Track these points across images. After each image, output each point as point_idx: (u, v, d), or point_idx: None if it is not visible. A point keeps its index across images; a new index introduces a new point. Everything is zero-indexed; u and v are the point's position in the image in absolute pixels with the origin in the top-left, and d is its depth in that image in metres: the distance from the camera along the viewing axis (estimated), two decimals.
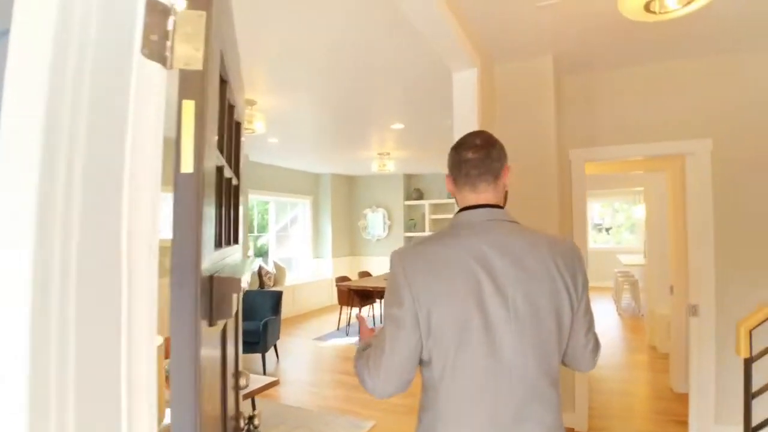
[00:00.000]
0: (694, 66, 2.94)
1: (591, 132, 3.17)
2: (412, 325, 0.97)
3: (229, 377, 1.10)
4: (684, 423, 3.09)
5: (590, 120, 3.18)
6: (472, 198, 1.07)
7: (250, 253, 7.82)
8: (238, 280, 1.01)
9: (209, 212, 0.72)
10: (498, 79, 2.99)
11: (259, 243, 8.17)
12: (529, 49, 2.79)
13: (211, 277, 0.71)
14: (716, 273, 2.87)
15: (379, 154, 6.48)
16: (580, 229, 3.13)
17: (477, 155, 1.07)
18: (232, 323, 1.32)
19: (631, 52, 2.86)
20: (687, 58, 2.93)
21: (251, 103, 3.96)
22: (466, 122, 2.53)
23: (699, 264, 2.93)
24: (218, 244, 0.91)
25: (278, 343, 5.33)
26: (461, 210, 1.07)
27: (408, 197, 9.12)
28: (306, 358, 5.43)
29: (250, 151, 6.41)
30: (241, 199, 1.56)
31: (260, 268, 7.32)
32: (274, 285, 7.46)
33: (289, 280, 7.98)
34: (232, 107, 1.36)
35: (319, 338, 6.28)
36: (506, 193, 1.12)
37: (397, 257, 1.03)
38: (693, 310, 2.96)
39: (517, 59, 2.91)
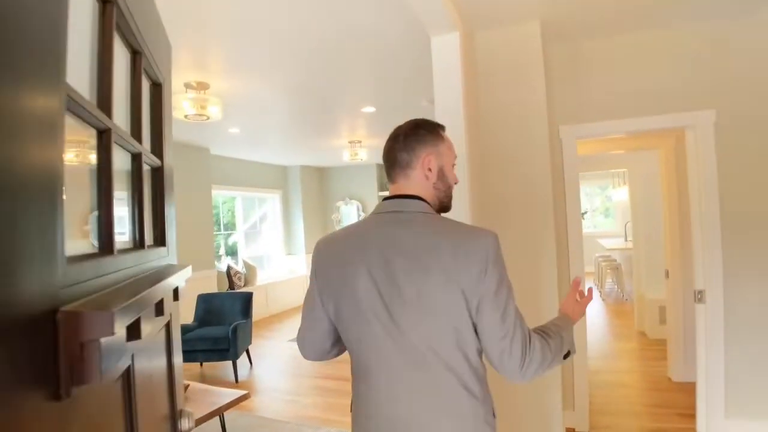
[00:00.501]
0: (695, 32, 2.67)
1: (582, 107, 2.88)
2: (320, 315, 1.09)
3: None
4: (690, 416, 2.87)
5: (580, 94, 2.89)
6: (391, 188, 1.11)
7: (221, 251, 7.35)
8: (158, 300, 0.77)
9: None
10: (480, 48, 2.65)
11: (231, 241, 7.70)
12: (515, 14, 2.46)
13: (54, 312, 0.45)
14: (723, 256, 2.64)
15: (350, 142, 6.10)
16: (574, 216, 2.85)
17: (388, 145, 1.11)
18: (160, 350, 0.97)
19: (625, 18, 2.57)
20: (687, 23, 2.66)
21: (203, 86, 3.52)
22: (448, 96, 2.19)
23: (704, 247, 2.69)
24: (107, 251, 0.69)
25: (251, 347, 4.94)
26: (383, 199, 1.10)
27: (382, 188, 8.77)
28: (282, 362, 5.05)
29: (210, 142, 5.94)
30: (167, 190, 1.19)
31: (229, 269, 6.87)
32: (245, 285, 7.03)
33: (261, 279, 7.54)
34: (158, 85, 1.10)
35: (295, 339, 5.89)
36: (443, 181, 1.09)
37: (315, 249, 1.13)
38: (699, 296, 2.72)
39: (501, 25, 2.57)
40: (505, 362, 0.95)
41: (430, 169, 1.07)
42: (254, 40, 2.82)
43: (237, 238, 7.68)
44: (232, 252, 7.64)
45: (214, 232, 7.31)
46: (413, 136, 1.08)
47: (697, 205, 2.75)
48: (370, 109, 4.44)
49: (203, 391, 2.99)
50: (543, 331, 1.04)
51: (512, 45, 2.59)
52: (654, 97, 2.74)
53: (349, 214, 8.88)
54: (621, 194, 8.11)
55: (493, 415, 1.02)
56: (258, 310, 7.07)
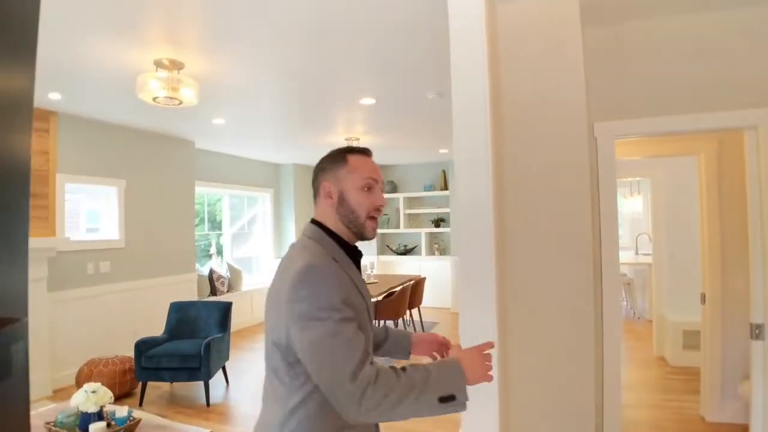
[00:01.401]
0: (760, 16, 2.21)
1: (621, 102, 2.40)
2: None
3: None
4: None
5: (620, 86, 2.41)
6: None
7: (212, 250, 6.84)
8: None
9: None
10: (502, 24, 2.16)
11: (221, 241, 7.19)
12: None
13: None
14: None
15: (347, 139, 5.61)
16: (610, 230, 2.36)
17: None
18: None
19: None
20: (751, 5, 2.20)
21: (177, 65, 3.02)
22: (469, 77, 1.70)
23: (767, 274, 2.22)
24: None
25: (228, 364, 4.43)
26: None
27: None
28: (263, 380, 4.53)
29: (194, 135, 5.43)
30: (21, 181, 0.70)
31: (211, 272, 6.35)
32: (228, 291, 6.51)
33: (247, 284, 7.03)
34: None
35: None
36: (343, 206, 1.10)
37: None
38: (757, 332, 2.25)
39: None
40: (340, 398, 0.91)
41: (330, 196, 1.11)
42: (239, 14, 2.36)
43: (223, 239, 7.16)
44: (218, 253, 7.12)
45: (205, 231, 6.80)
46: (317, 167, 1.16)
47: (758, 222, 2.28)
48: (369, 100, 3.95)
49: (157, 429, 2.48)
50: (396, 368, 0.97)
51: (543, 21, 2.11)
52: (708, 92, 2.27)
53: None
54: (633, 204, 7.66)
55: None
56: (242, 318, 6.57)
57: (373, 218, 1.11)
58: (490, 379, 1.00)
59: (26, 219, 0.69)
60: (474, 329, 1.62)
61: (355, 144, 5.69)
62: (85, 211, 4.81)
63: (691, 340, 3.96)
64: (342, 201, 1.09)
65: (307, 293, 0.95)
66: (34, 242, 3.82)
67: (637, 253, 7.13)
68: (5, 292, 0.65)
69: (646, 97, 2.35)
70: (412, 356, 1.36)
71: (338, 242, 1.10)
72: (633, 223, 7.71)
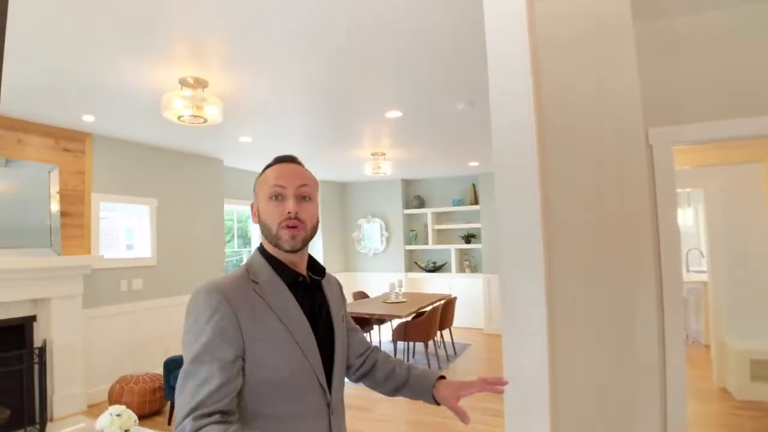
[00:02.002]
0: None
1: (678, 104, 2.22)
2: None
3: None
4: None
5: (677, 86, 2.23)
6: None
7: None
8: None
9: None
10: (541, 16, 2.03)
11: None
12: None
13: None
14: None
15: (373, 154, 5.54)
16: (671, 248, 2.14)
17: None
18: None
19: None
20: None
21: (201, 83, 3.02)
22: (509, 82, 1.58)
23: None
24: None
25: None
26: None
27: (407, 205, 8.17)
28: None
29: (222, 153, 5.48)
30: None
31: None
32: None
33: None
34: None
35: None
36: (261, 221, 1.06)
37: None
38: None
39: None
40: None
41: (255, 215, 1.08)
42: (262, 30, 2.33)
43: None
44: None
45: (236, 248, 6.83)
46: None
47: None
48: (395, 113, 3.87)
49: None
50: None
51: (589, 17, 1.97)
52: None
53: (372, 232, 8.28)
54: (681, 218, 7.29)
55: None
56: None
57: (287, 227, 1.01)
58: None
59: None
60: (520, 358, 1.47)
61: (381, 159, 5.63)
62: (124, 229, 4.89)
63: (762, 370, 3.62)
64: (260, 218, 1.06)
65: (185, 321, 0.95)
66: (70, 260, 3.87)
67: (688, 270, 6.73)
68: None
69: (706, 98, 2.16)
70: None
71: (273, 263, 1.04)
72: (682, 238, 7.31)
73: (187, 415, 0.85)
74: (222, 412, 0.87)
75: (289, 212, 1.01)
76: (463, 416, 1.10)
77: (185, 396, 0.87)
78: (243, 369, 0.92)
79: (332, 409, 1.04)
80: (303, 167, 1.09)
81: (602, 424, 1.65)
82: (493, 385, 1.09)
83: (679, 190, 6.31)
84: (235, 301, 0.94)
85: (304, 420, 0.98)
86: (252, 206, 1.09)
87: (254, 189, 1.10)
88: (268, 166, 1.09)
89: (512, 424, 1.51)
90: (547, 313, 1.45)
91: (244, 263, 1.07)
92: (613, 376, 1.67)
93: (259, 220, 1.06)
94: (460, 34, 2.43)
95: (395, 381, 1.22)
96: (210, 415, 0.85)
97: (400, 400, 4.25)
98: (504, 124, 1.60)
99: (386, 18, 2.24)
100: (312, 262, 1.13)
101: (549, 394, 1.48)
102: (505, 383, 1.09)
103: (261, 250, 1.07)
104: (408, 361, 5.39)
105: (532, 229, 1.49)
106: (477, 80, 3.09)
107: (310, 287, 1.09)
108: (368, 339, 5.71)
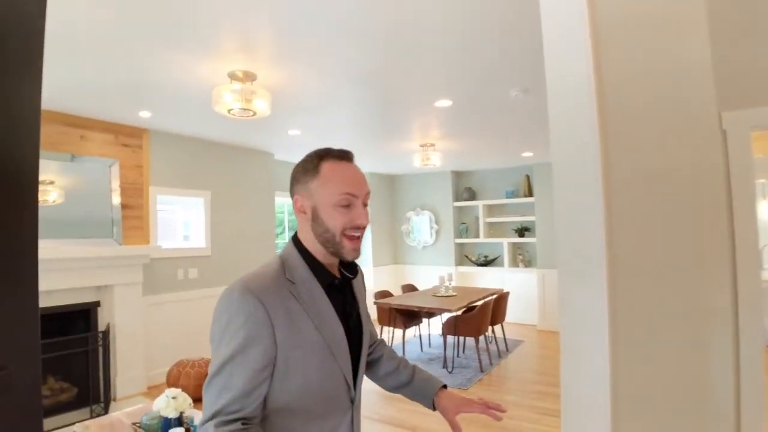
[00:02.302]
0: None
1: (756, 83, 1.97)
2: None
3: None
4: None
5: (755, 63, 1.98)
6: None
7: None
8: None
9: None
10: None
11: None
12: None
13: None
14: None
15: (422, 145, 5.43)
16: (748, 244, 1.91)
17: None
18: None
19: None
20: None
21: (250, 76, 3.04)
22: (567, 60, 1.45)
23: None
24: None
25: None
26: None
27: (458, 198, 7.99)
28: None
29: (272, 147, 5.57)
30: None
31: None
32: None
33: None
34: None
35: None
36: (317, 223, 0.98)
37: None
38: None
39: None
40: None
41: (303, 211, 1.01)
42: (310, 21, 2.31)
43: None
44: None
45: (286, 239, 6.97)
46: (292, 177, 1.04)
47: None
48: (445, 102, 3.75)
49: None
50: None
51: None
52: None
53: (421, 225, 8.18)
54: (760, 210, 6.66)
55: None
56: None
57: (352, 238, 0.97)
58: None
59: (26, 243, 0.59)
60: (580, 360, 1.35)
61: (430, 151, 5.51)
62: (182, 221, 5.10)
63: None
64: (316, 218, 0.98)
65: (214, 322, 0.92)
66: (131, 250, 4.07)
67: (763, 268, 6.15)
68: None
69: None
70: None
71: (310, 263, 1.00)
72: (761, 233, 6.67)
73: (211, 417, 0.86)
74: (245, 418, 0.87)
75: (360, 224, 0.98)
76: (456, 429, 1.13)
77: (210, 398, 0.87)
78: (272, 374, 0.91)
79: (355, 405, 1.04)
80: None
81: None
82: (492, 410, 1.11)
83: (762, 181, 5.75)
84: (271, 306, 0.90)
85: (328, 417, 0.98)
86: (297, 197, 1.01)
87: (304, 181, 1.00)
88: (321, 158, 0.99)
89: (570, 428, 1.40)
90: (609, 313, 1.32)
91: (279, 255, 1.02)
92: (682, 385, 1.51)
93: (314, 219, 0.98)
94: (514, 16, 2.28)
95: (397, 379, 1.23)
96: (233, 421, 0.85)
97: None
98: (562, 111, 1.47)
99: (435, 6, 2.13)
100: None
101: (611, 398, 1.35)
102: (504, 410, 1.12)
103: (297, 244, 1.02)
104: (458, 356, 5.35)
105: (594, 222, 1.36)
106: (532, 65, 2.92)
107: (341, 286, 1.06)
108: (417, 332, 5.64)
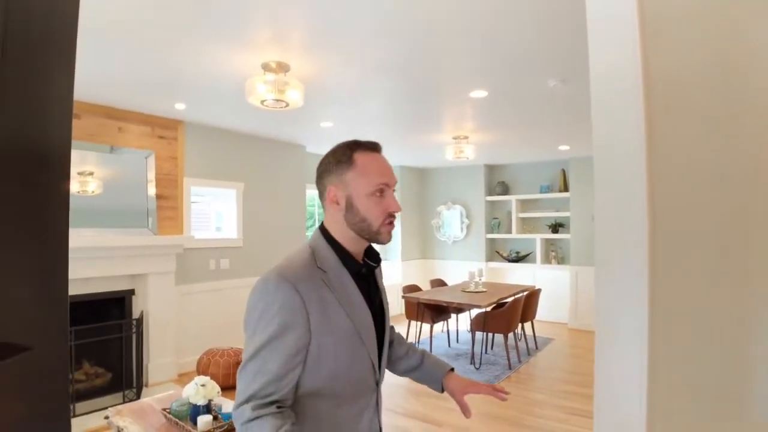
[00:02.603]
0: None
1: None
2: None
3: None
4: None
5: None
6: None
7: None
8: None
9: None
10: None
11: None
12: None
13: None
14: None
15: (455, 138, 5.33)
16: None
17: None
18: None
19: None
20: None
21: (283, 67, 3.02)
22: (613, 40, 1.34)
23: None
24: None
25: None
26: None
27: (490, 192, 7.83)
28: None
29: (304, 139, 5.58)
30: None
31: None
32: None
33: None
34: None
35: None
36: (351, 213, 1.02)
37: None
38: None
39: None
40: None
41: (336, 202, 1.04)
42: (344, 10, 2.27)
43: None
44: None
45: None
46: (321, 167, 1.06)
47: None
48: (480, 93, 3.64)
49: None
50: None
51: None
52: None
53: (452, 220, 8.07)
54: None
55: None
56: None
57: (389, 224, 1.04)
58: None
59: (59, 222, 0.59)
60: (615, 360, 1.27)
61: (463, 143, 5.40)
62: (214, 212, 5.19)
63: None
64: (350, 207, 1.02)
65: (249, 309, 0.97)
66: (165, 239, 4.16)
67: None
68: (9, 312, 0.52)
69: None
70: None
71: (339, 252, 1.04)
72: None
73: (246, 401, 0.91)
74: (280, 402, 0.92)
75: (395, 211, 1.03)
76: (466, 410, 1.20)
77: (245, 381, 0.92)
78: (305, 359, 0.95)
79: (379, 387, 1.11)
80: None
81: None
82: (498, 392, 1.18)
83: None
84: (305, 294, 0.94)
85: (357, 400, 1.04)
86: (331, 188, 1.04)
87: (338, 172, 1.03)
88: (353, 150, 1.04)
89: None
90: (649, 313, 1.24)
91: (307, 245, 1.06)
92: (722, 389, 1.40)
93: (348, 209, 1.02)
94: (554, 1, 2.17)
95: (407, 363, 1.29)
96: (269, 405, 0.90)
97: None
98: (606, 100, 1.37)
99: None
100: (369, 248, 1.13)
101: (647, 398, 1.27)
102: (508, 393, 1.19)
103: (324, 234, 1.06)
104: (486, 353, 5.26)
105: (636, 219, 1.26)
106: (572, 53, 2.78)
107: (366, 274, 1.10)
108: (444, 328, 5.58)
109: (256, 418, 0.89)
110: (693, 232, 1.51)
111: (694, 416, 1.40)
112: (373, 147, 1.06)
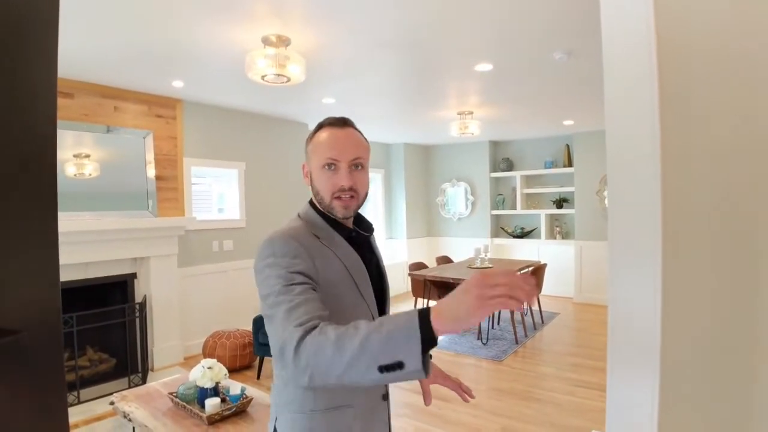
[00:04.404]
0: None
1: None
2: None
3: None
4: None
5: None
6: None
7: None
8: None
9: None
10: None
11: None
12: None
13: None
14: None
15: (459, 113, 5.20)
16: None
17: None
18: None
19: None
20: None
21: (284, 41, 2.90)
22: (623, 20, 1.26)
23: None
24: None
25: None
26: None
27: (495, 168, 7.73)
28: None
29: (306, 117, 5.47)
30: None
31: None
32: None
33: None
34: None
35: None
36: (313, 186, 1.10)
37: None
38: None
39: None
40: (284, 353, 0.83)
41: (306, 176, 1.12)
42: None
43: None
44: None
45: None
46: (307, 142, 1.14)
47: None
48: (485, 66, 3.52)
49: (268, 409, 2.43)
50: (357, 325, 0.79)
51: None
52: None
53: (456, 197, 7.99)
54: None
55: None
56: None
57: (340, 199, 1.06)
58: (491, 306, 0.69)
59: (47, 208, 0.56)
60: (628, 338, 1.22)
61: (468, 119, 5.28)
62: (217, 193, 5.11)
63: None
64: (312, 181, 1.10)
65: (260, 264, 0.99)
66: (166, 221, 4.10)
67: None
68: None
69: None
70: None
71: (327, 219, 1.10)
72: None
73: (290, 335, 0.83)
74: (322, 318, 0.88)
75: (342, 186, 1.04)
76: (428, 396, 1.23)
77: (279, 325, 0.87)
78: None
79: None
80: (356, 132, 1.10)
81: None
82: (463, 393, 1.19)
83: None
84: (310, 249, 1.01)
85: None
86: (304, 166, 1.13)
87: (306, 149, 1.11)
88: (320, 126, 1.10)
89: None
90: (662, 291, 1.19)
91: (297, 216, 1.13)
92: (733, 367, 1.35)
93: (311, 183, 1.10)
94: None
95: None
96: (315, 326, 0.83)
97: (486, 368, 4.11)
98: (618, 73, 1.29)
99: None
100: (359, 219, 1.18)
101: (660, 374, 1.23)
102: (473, 397, 1.20)
103: (313, 205, 1.12)
104: (493, 328, 5.26)
105: (650, 197, 1.20)
106: (579, 25, 2.66)
107: (358, 241, 1.14)
108: None
109: (307, 333, 0.81)
110: (708, 211, 1.43)
111: (703, 385, 1.35)
112: (337, 123, 1.08)
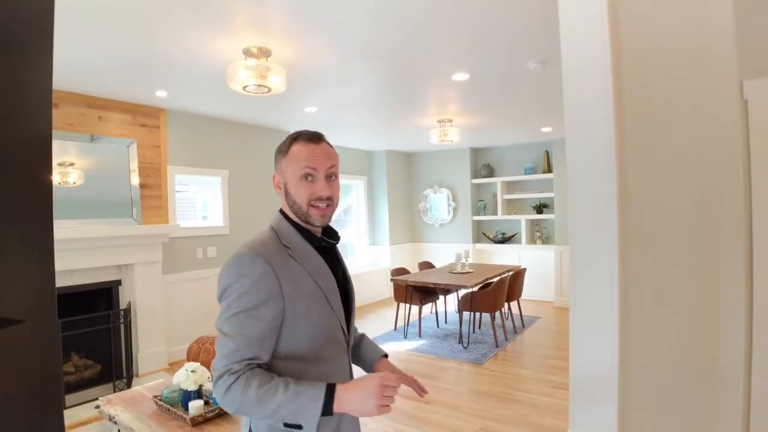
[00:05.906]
0: None
1: None
2: None
3: None
4: None
5: None
6: None
7: None
8: None
9: None
10: None
11: None
12: None
13: None
14: None
15: (439, 121, 5.34)
16: (765, 221, 1.82)
17: None
18: None
19: None
20: None
21: (265, 52, 3.00)
22: (583, 28, 1.39)
23: None
24: None
25: None
26: None
27: (476, 175, 7.89)
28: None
29: (289, 125, 5.54)
30: None
31: None
32: None
33: None
34: None
35: (374, 339, 5.36)
36: (288, 197, 1.14)
37: None
38: None
39: None
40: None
41: (279, 187, 1.16)
42: None
43: None
44: None
45: None
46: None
47: None
48: (462, 76, 3.65)
49: None
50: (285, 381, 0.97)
51: None
52: None
53: (439, 203, 8.12)
54: None
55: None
56: None
57: (317, 208, 1.12)
58: (382, 412, 0.96)
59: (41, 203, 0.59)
60: (590, 335, 1.33)
61: (447, 126, 5.42)
62: (200, 201, 5.16)
63: None
64: (287, 193, 1.13)
65: (225, 281, 1.03)
66: (150, 229, 4.14)
67: None
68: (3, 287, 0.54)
69: None
70: None
71: (299, 229, 1.14)
72: None
73: (226, 365, 0.97)
74: (261, 361, 1.01)
75: (321, 195, 1.11)
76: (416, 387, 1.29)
77: (224, 349, 0.99)
78: (281, 325, 1.04)
79: (349, 348, 1.21)
80: (329, 145, 1.16)
81: (677, 425, 1.46)
82: (419, 390, 1.23)
83: None
84: (277, 266, 1.03)
85: (331, 360, 1.12)
86: (274, 176, 1.17)
87: (278, 160, 1.15)
88: (293, 140, 1.14)
89: (578, 406, 1.38)
90: (620, 294, 1.29)
91: (270, 226, 1.16)
92: (692, 361, 1.47)
93: (286, 194, 1.14)
94: None
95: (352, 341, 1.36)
96: (247, 364, 0.99)
97: (466, 371, 4.20)
98: (577, 84, 1.41)
99: None
100: (327, 228, 1.22)
101: (619, 371, 1.33)
102: (427, 392, 1.25)
103: (284, 215, 1.16)
104: (474, 332, 5.36)
105: (607, 198, 1.31)
106: (550, 36, 2.81)
107: (327, 250, 1.20)
108: (433, 309, 5.66)
109: (237, 379, 0.95)
110: (662, 210, 1.56)
111: (665, 384, 1.47)
112: (311, 137, 1.13)
